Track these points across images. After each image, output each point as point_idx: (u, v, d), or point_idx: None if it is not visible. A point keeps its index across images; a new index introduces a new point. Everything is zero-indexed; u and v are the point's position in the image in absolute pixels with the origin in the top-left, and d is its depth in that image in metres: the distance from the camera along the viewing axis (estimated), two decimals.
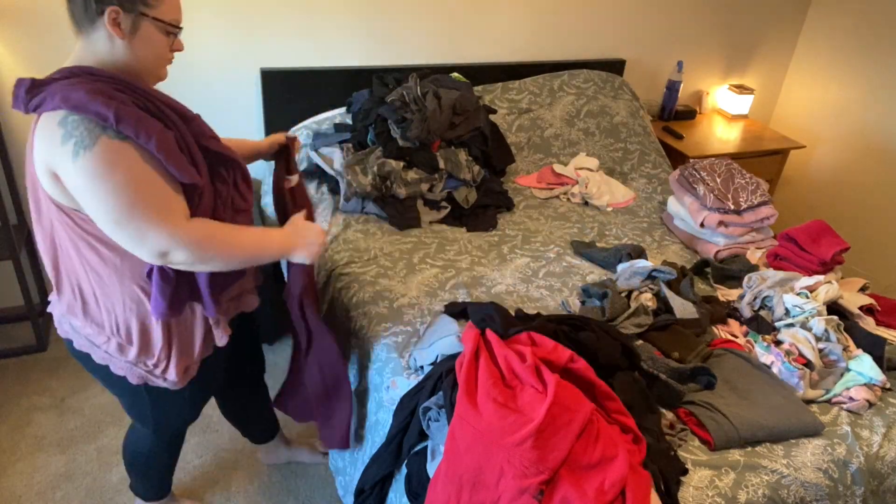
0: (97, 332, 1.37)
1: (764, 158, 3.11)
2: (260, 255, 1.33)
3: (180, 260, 1.21)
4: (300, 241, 1.43)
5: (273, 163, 1.82)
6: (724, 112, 3.43)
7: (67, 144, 1.11)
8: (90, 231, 1.23)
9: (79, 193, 1.14)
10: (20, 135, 2.35)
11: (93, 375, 1.45)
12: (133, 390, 1.45)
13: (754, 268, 2.07)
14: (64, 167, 1.12)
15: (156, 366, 1.41)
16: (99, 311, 1.34)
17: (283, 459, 2.15)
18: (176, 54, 2.37)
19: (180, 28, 1.28)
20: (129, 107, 1.15)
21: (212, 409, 2.33)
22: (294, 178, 1.72)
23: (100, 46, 1.21)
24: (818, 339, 1.71)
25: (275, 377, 2.50)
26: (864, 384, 1.61)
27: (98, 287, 1.31)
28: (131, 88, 1.20)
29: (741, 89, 3.34)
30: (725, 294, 1.96)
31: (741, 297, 1.89)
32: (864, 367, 1.65)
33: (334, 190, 2.30)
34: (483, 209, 2.32)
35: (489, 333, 1.46)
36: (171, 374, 1.42)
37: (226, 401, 1.92)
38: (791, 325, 1.77)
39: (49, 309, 1.44)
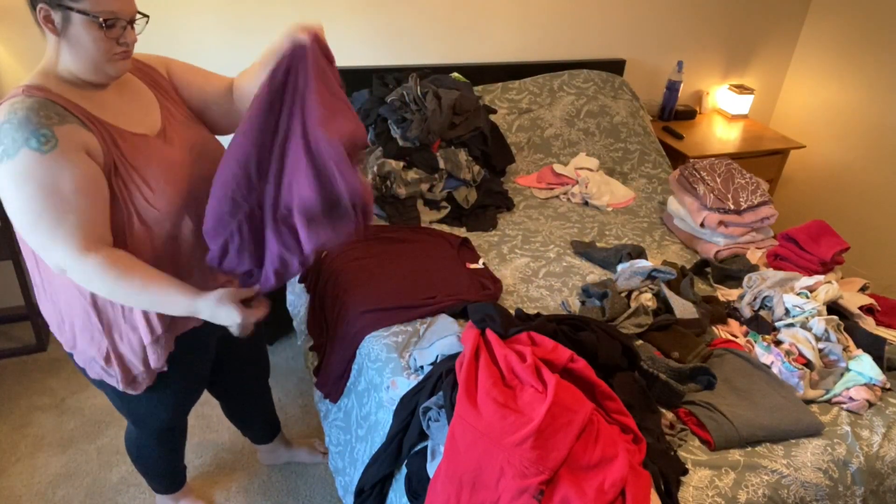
0: (57, 324, 1.38)
1: (764, 158, 3.11)
2: (160, 305, 1.25)
3: (79, 280, 1.19)
4: (220, 308, 1.26)
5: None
6: (724, 112, 3.43)
7: None
8: None
9: (2, 196, 1.15)
10: None
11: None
12: (109, 388, 1.46)
13: (754, 268, 2.07)
14: None
15: (106, 364, 1.39)
16: (51, 307, 1.36)
17: (283, 460, 2.15)
18: (174, 53, 2.40)
19: (122, 20, 1.19)
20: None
21: (212, 408, 2.33)
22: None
23: (50, 49, 1.21)
24: (818, 339, 1.71)
25: (275, 377, 2.50)
26: (864, 384, 1.61)
27: (47, 280, 1.32)
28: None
29: (741, 89, 3.34)
30: (725, 294, 1.96)
31: (741, 297, 1.89)
32: (864, 367, 1.65)
33: None
34: (483, 209, 2.32)
35: (489, 333, 1.46)
36: (118, 381, 1.41)
37: (227, 401, 1.92)
38: (791, 325, 1.76)
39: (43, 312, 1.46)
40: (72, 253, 1.16)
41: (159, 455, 1.75)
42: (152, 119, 1.34)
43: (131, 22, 1.22)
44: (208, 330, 1.51)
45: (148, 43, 2.36)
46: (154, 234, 1.28)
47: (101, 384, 1.46)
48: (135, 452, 1.74)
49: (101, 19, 1.15)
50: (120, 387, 1.42)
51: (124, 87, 1.32)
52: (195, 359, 1.54)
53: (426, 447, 1.39)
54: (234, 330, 1.29)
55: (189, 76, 1.45)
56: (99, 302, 1.31)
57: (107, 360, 1.38)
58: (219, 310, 1.26)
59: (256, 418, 1.99)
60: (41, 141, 1.12)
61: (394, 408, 1.50)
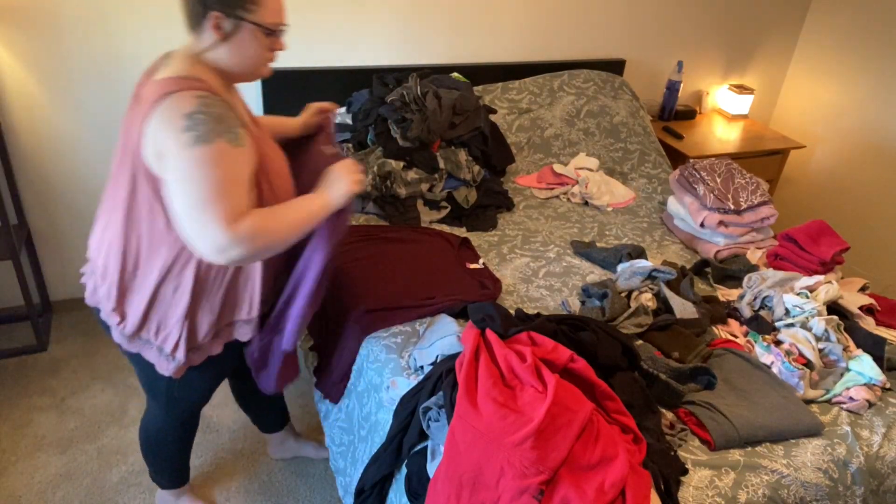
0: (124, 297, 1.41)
1: (764, 158, 3.11)
2: (309, 222, 1.36)
3: (241, 257, 1.27)
4: (336, 185, 1.43)
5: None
6: (724, 112, 3.43)
7: (187, 134, 1.21)
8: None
9: (174, 177, 1.23)
10: (20, 135, 2.35)
11: (117, 345, 1.50)
12: (150, 363, 1.48)
13: (754, 268, 2.07)
14: (175, 153, 1.21)
15: (164, 341, 1.44)
16: (134, 278, 1.39)
17: (291, 453, 2.15)
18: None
19: (283, 28, 1.35)
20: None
21: (211, 409, 2.33)
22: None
23: (205, 45, 1.31)
24: (818, 339, 1.71)
25: None
26: (864, 384, 1.61)
27: (145, 253, 1.37)
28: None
29: (741, 89, 3.34)
30: (725, 294, 1.96)
31: (741, 297, 1.89)
32: (864, 367, 1.65)
33: None
34: (483, 209, 2.32)
35: (489, 333, 1.46)
36: (180, 353, 1.45)
37: (240, 388, 1.94)
38: (791, 325, 1.77)
39: (83, 280, 1.50)
40: (238, 232, 1.24)
41: (176, 442, 1.75)
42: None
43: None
44: None
45: (147, 42, 2.36)
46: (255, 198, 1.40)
47: (140, 360, 1.48)
48: (153, 439, 1.74)
49: (268, 28, 1.31)
50: (176, 359, 1.45)
51: (236, 90, 1.47)
52: (236, 343, 1.59)
53: (426, 447, 1.39)
54: (353, 177, 1.45)
55: None
56: (202, 272, 1.39)
57: (175, 329, 1.43)
58: (334, 173, 1.44)
59: (266, 406, 2.01)
60: (234, 137, 1.25)
61: (394, 408, 1.50)
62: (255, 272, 1.45)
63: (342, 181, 1.43)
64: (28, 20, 2.20)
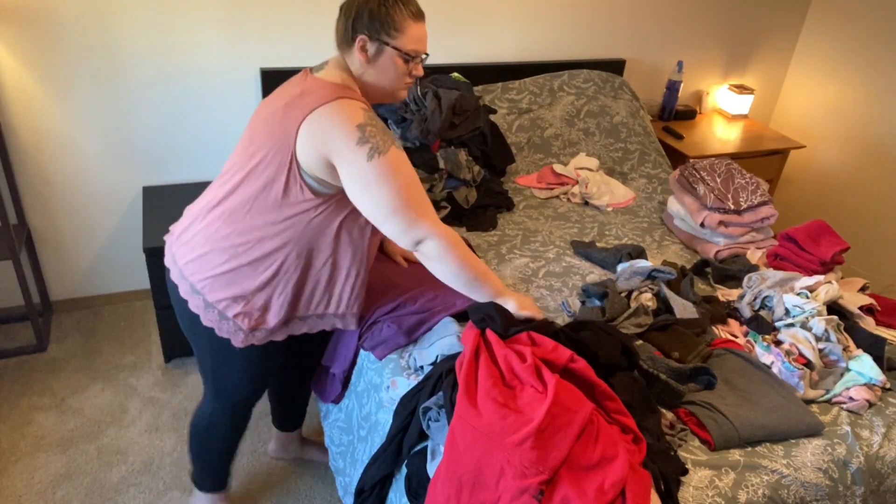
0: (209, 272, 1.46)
1: (764, 158, 3.11)
2: (481, 284, 1.52)
3: (429, 250, 1.44)
4: (516, 297, 1.56)
5: None
6: (724, 112, 3.43)
7: (363, 146, 1.33)
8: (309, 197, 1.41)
9: (359, 187, 1.36)
10: (20, 135, 2.35)
11: (181, 323, 1.57)
12: (211, 341, 1.52)
13: (754, 268, 2.07)
14: (352, 163, 1.34)
15: (255, 311, 1.49)
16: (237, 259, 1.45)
17: (292, 455, 2.15)
18: (174, 54, 2.41)
19: (424, 56, 1.47)
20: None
21: None
22: None
23: (352, 64, 1.45)
24: (818, 339, 1.71)
25: None
26: (864, 384, 1.61)
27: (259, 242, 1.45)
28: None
29: (741, 89, 3.34)
30: (725, 294, 1.96)
31: (741, 297, 1.89)
32: (864, 367, 1.65)
33: None
34: (483, 209, 2.32)
35: (489, 333, 1.46)
36: (272, 318, 1.50)
37: (288, 371, 1.94)
38: (791, 325, 1.76)
39: (166, 238, 1.57)
40: (431, 226, 1.42)
41: (225, 437, 1.74)
42: None
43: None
44: None
45: (148, 42, 2.36)
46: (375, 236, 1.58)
47: (210, 342, 1.52)
48: (204, 432, 1.73)
49: (406, 54, 1.43)
50: (243, 332, 1.49)
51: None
52: (293, 342, 1.70)
53: (426, 447, 1.39)
54: (527, 304, 1.59)
55: None
56: (297, 252, 1.46)
57: (254, 305, 1.48)
58: (513, 306, 1.56)
59: (290, 405, 2.01)
60: (399, 142, 1.39)
61: (394, 408, 1.49)
62: (340, 273, 1.54)
63: (522, 304, 1.56)
64: (28, 20, 2.20)
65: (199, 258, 1.46)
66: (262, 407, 2.35)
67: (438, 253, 1.44)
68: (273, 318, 1.50)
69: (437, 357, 1.52)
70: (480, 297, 1.54)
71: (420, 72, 1.49)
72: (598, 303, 1.82)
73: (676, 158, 2.99)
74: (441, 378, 1.43)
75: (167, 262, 1.54)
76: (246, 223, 1.43)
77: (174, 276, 1.50)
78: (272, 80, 2.52)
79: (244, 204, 1.42)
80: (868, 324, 1.85)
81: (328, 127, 1.33)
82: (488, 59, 2.88)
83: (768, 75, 3.54)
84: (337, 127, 1.33)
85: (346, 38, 1.42)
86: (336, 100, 1.35)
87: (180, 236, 1.51)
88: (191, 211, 1.54)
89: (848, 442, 1.50)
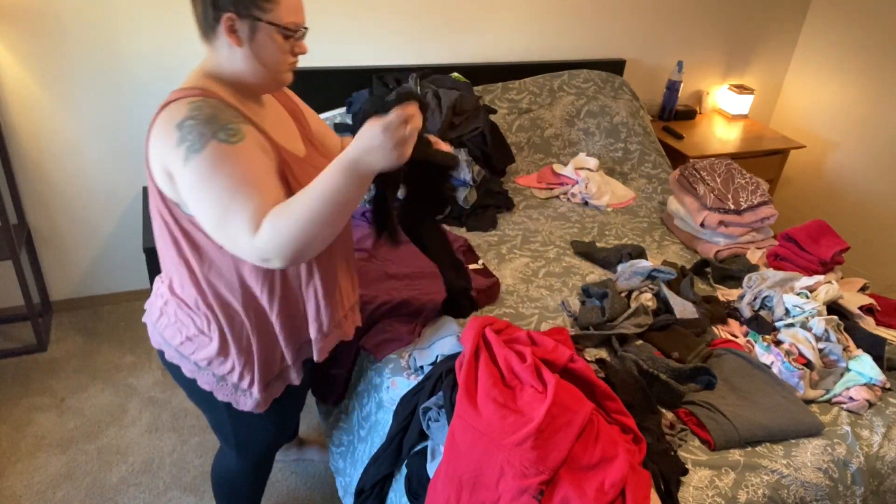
0: (182, 331, 1.32)
1: (764, 158, 3.11)
2: (334, 199, 1.09)
3: (277, 263, 1.12)
4: (367, 153, 1.09)
5: None
6: (724, 112, 3.43)
7: (180, 148, 1.10)
8: (192, 225, 1.21)
9: (187, 197, 1.13)
10: (20, 135, 2.35)
11: (182, 388, 1.42)
12: (216, 407, 1.41)
13: (754, 268, 2.07)
14: (176, 172, 1.12)
15: (240, 379, 1.35)
16: (186, 308, 1.31)
17: (292, 458, 2.15)
18: (175, 54, 2.41)
19: (303, 30, 1.22)
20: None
21: None
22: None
23: (222, 54, 1.20)
24: (818, 339, 1.71)
25: None
26: (864, 384, 1.61)
27: (188, 280, 1.27)
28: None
29: (741, 89, 3.34)
30: (725, 294, 1.96)
31: (741, 297, 1.89)
32: (864, 367, 1.65)
33: None
34: (483, 209, 2.32)
35: (489, 333, 1.46)
36: (255, 391, 1.36)
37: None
38: (791, 325, 1.76)
39: (143, 319, 1.41)
40: (262, 239, 1.09)
41: (249, 487, 1.67)
42: (298, 144, 1.35)
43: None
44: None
45: (148, 43, 2.36)
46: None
47: (216, 408, 1.41)
48: (226, 483, 1.66)
49: (286, 29, 1.18)
50: (256, 399, 1.36)
51: (270, 105, 1.34)
52: (307, 369, 1.53)
53: (426, 447, 1.39)
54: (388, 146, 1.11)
55: (315, 121, 1.47)
56: (277, 292, 1.28)
57: (239, 361, 1.33)
58: (363, 138, 1.12)
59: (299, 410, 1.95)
60: (229, 133, 1.12)
61: (394, 408, 1.49)
62: (314, 284, 1.33)
63: (376, 151, 1.09)
64: (28, 20, 2.20)
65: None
66: None
67: (289, 255, 1.11)
68: (254, 389, 1.36)
69: (437, 357, 1.52)
70: (349, 194, 1.11)
71: (304, 49, 1.25)
72: (598, 303, 1.82)
73: (676, 158, 2.99)
74: (441, 378, 1.43)
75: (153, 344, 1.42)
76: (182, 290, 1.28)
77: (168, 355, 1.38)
78: None
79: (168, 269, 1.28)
80: (868, 324, 1.85)
81: (155, 137, 1.14)
82: (488, 59, 2.88)
83: (768, 75, 3.54)
84: (161, 134, 1.13)
85: (207, 21, 1.16)
86: (168, 104, 1.15)
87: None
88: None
89: (848, 442, 1.49)
